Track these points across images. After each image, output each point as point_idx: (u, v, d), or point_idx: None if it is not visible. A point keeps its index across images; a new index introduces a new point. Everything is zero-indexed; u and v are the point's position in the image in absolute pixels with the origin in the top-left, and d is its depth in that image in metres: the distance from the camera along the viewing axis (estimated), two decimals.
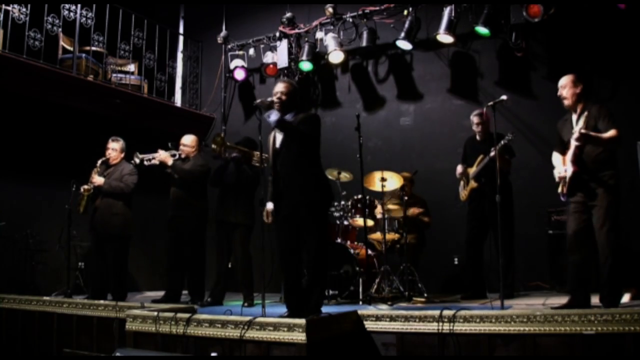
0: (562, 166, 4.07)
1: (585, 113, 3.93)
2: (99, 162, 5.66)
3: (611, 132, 3.82)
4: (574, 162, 3.92)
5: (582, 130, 3.80)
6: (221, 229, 5.37)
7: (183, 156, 5.70)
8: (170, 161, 5.58)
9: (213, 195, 5.71)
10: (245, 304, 5.07)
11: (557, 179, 4.09)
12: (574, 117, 4.06)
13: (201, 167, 5.61)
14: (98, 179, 5.57)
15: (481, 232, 5.24)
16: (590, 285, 3.94)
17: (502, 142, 4.90)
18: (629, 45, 5.63)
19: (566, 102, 4.07)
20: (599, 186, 3.88)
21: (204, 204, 5.69)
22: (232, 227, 5.29)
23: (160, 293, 5.90)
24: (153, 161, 5.65)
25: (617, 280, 3.81)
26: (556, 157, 4.20)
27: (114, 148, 5.72)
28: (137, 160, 5.68)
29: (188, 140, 5.76)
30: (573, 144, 3.88)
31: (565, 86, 4.05)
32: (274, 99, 4.00)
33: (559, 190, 4.10)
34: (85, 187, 5.56)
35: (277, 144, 4.05)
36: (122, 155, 5.78)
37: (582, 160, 3.91)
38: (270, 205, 4.21)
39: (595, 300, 3.92)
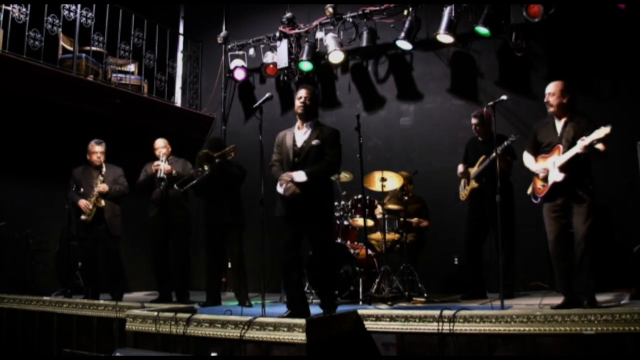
0: (539, 166, 4.13)
1: (573, 123, 4.01)
2: (103, 171, 5.65)
3: (603, 147, 3.90)
4: (564, 168, 3.94)
5: (589, 142, 3.83)
6: (214, 232, 5.34)
7: (164, 159, 5.72)
8: (174, 170, 5.59)
9: (197, 199, 5.74)
10: (247, 304, 5.08)
11: (540, 177, 4.12)
12: (558, 123, 4.12)
13: (192, 170, 5.68)
14: (103, 186, 5.59)
15: (481, 232, 5.24)
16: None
17: (505, 143, 4.90)
18: (629, 45, 5.62)
19: (550, 109, 4.14)
20: (580, 190, 3.96)
21: (187, 204, 5.83)
22: (226, 228, 5.30)
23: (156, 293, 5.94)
24: (162, 173, 5.59)
25: (594, 279, 3.88)
26: (529, 158, 4.26)
27: (102, 152, 5.72)
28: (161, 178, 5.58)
29: (163, 142, 5.80)
30: (573, 150, 3.91)
31: (554, 94, 4.10)
32: (299, 102, 4.16)
33: (529, 191, 4.16)
34: (92, 199, 5.53)
35: (299, 143, 4.16)
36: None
37: (570, 167, 3.94)
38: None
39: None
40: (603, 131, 3.79)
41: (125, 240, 6.21)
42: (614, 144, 4.03)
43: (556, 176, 3.98)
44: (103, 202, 5.57)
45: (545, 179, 4.08)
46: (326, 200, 4.19)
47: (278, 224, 4.20)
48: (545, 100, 4.15)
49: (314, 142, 4.10)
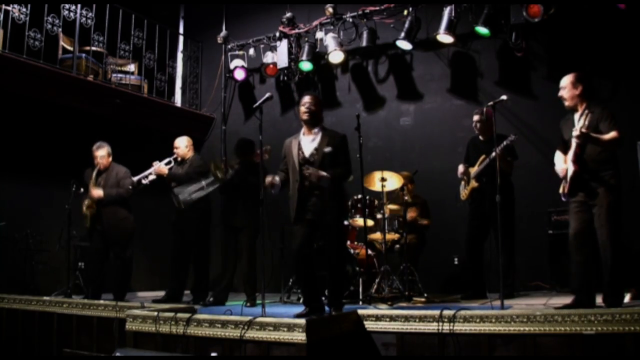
0: (563, 164, 4.08)
1: (588, 114, 3.93)
2: (94, 174, 5.62)
3: (612, 134, 3.83)
4: (574, 161, 3.92)
5: (583, 130, 3.80)
6: (228, 233, 5.37)
7: (179, 159, 5.71)
8: (166, 171, 5.58)
9: (216, 199, 5.71)
10: (247, 304, 5.08)
11: (560, 176, 4.10)
12: (576, 116, 4.06)
13: (199, 169, 5.62)
14: (97, 192, 5.52)
15: (481, 232, 5.23)
16: (594, 285, 3.95)
17: (505, 143, 4.90)
18: (629, 45, 5.62)
19: (566, 103, 4.09)
20: (599, 185, 3.89)
21: (207, 205, 5.72)
22: (238, 230, 5.30)
23: (160, 293, 5.91)
24: (151, 177, 5.63)
25: (618, 280, 3.81)
26: (558, 156, 4.21)
27: (102, 155, 5.65)
28: (135, 182, 5.62)
29: (181, 142, 5.79)
30: (574, 142, 3.89)
31: (565, 87, 4.06)
32: (304, 109, 4.22)
33: (560, 190, 4.11)
34: (86, 202, 5.52)
35: (307, 154, 4.18)
36: (110, 158, 5.74)
37: (582, 159, 3.91)
38: (277, 177, 4.26)
39: (598, 300, 3.93)
40: (582, 120, 3.79)
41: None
42: None
43: (569, 171, 3.96)
44: (93, 206, 5.49)
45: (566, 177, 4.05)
46: (340, 202, 4.27)
47: (291, 228, 4.27)
48: (559, 95, 4.10)
49: (327, 149, 4.14)
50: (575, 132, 3.82)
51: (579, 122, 3.95)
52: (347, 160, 4.24)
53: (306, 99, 4.26)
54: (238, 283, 5.79)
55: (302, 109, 4.23)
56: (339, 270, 4.30)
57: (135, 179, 5.63)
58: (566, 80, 4.07)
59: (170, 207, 5.71)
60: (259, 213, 5.22)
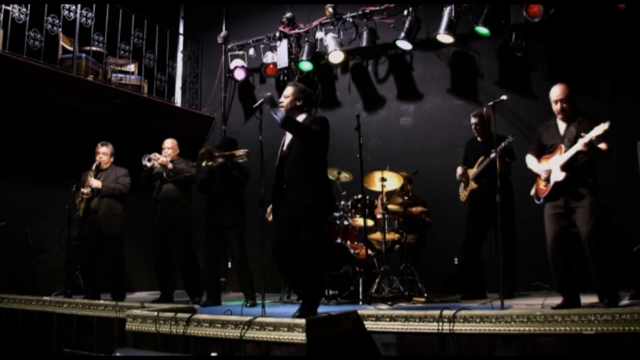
0: (542, 167, 4.13)
1: (576, 123, 3.98)
2: (93, 166, 5.68)
3: (605, 146, 3.89)
4: (565, 168, 3.94)
5: (589, 139, 3.81)
6: (212, 233, 5.31)
7: (169, 159, 5.73)
8: (170, 164, 5.60)
9: (199, 199, 5.73)
10: (248, 304, 5.08)
11: (543, 177, 4.12)
12: (561, 124, 4.10)
13: (193, 169, 5.70)
14: (96, 182, 5.59)
15: (480, 233, 5.23)
16: (576, 284, 4.02)
17: (503, 144, 4.90)
18: (629, 45, 5.63)
19: (565, 114, 4.08)
20: (585, 189, 3.95)
21: (191, 204, 5.78)
22: (224, 229, 5.27)
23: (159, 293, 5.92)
24: (156, 163, 5.66)
25: (611, 277, 3.85)
26: (532, 160, 4.26)
27: (105, 152, 5.76)
28: (148, 164, 5.63)
29: (171, 143, 5.83)
30: (572, 150, 3.89)
31: (565, 101, 4.05)
32: (281, 100, 4.07)
33: (532, 192, 4.15)
34: (85, 190, 5.56)
35: (284, 147, 4.09)
36: (112, 159, 5.83)
37: (572, 166, 3.94)
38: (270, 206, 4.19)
39: (594, 299, 3.94)
40: (602, 127, 3.77)
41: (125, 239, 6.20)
42: (614, 144, 4.02)
43: (558, 176, 3.97)
44: (88, 191, 5.54)
45: (547, 180, 4.07)
46: (320, 195, 3.97)
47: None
48: (558, 107, 4.08)
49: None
50: (584, 140, 3.83)
51: (569, 130, 3.99)
52: (319, 127, 3.94)
53: (285, 90, 4.11)
54: (233, 284, 5.79)
55: (280, 100, 4.08)
56: (310, 270, 3.90)
57: (149, 156, 5.64)
58: (564, 93, 4.05)
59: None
60: (243, 211, 5.32)
